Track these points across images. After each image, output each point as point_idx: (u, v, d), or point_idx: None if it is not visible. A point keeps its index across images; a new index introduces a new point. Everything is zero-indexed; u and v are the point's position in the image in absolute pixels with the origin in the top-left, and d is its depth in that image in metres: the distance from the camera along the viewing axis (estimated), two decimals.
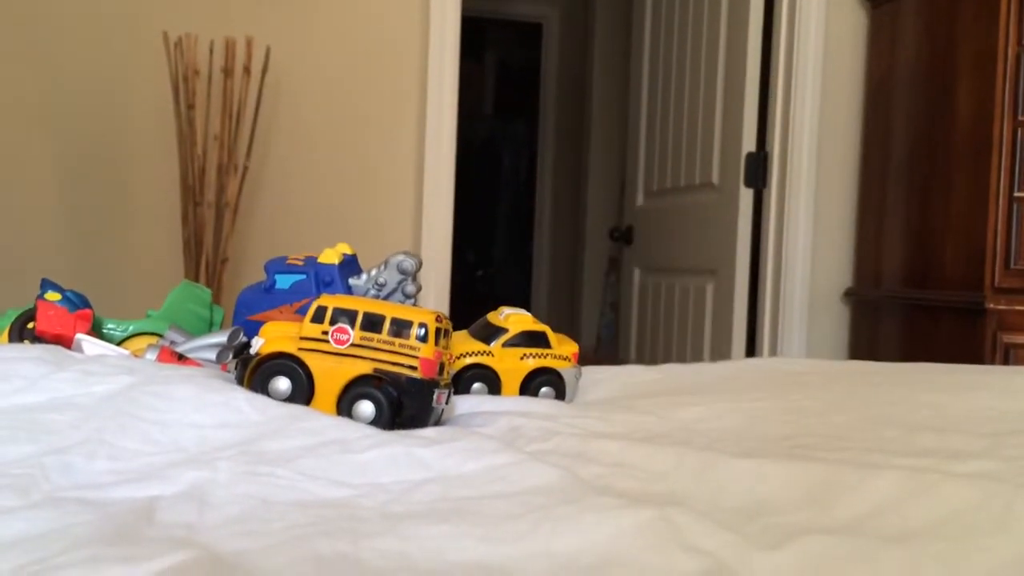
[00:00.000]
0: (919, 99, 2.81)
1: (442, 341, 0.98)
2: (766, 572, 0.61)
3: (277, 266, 1.11)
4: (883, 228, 2.93)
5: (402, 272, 1.12)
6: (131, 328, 1.06)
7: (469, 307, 5.46)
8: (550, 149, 4.39)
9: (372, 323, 0.93)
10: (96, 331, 1.05)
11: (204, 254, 2.64)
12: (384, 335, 0.93)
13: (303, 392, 0.92)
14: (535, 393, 1.17)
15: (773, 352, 3.02)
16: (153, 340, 1.04)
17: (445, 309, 2.91)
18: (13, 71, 2.65)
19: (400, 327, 0.93)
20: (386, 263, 1.13)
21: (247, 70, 2.64)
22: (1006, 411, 1.02)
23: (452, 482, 0.76)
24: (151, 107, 2.69)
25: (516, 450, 0.81)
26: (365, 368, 0.92)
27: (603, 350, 3.88)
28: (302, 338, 0.93)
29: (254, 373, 0.93)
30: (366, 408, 0.91)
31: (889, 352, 2.88)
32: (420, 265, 1.14)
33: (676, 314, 3.31)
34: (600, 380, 1.29)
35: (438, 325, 0.95)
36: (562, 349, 1.19)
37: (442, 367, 0.98)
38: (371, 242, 2.89)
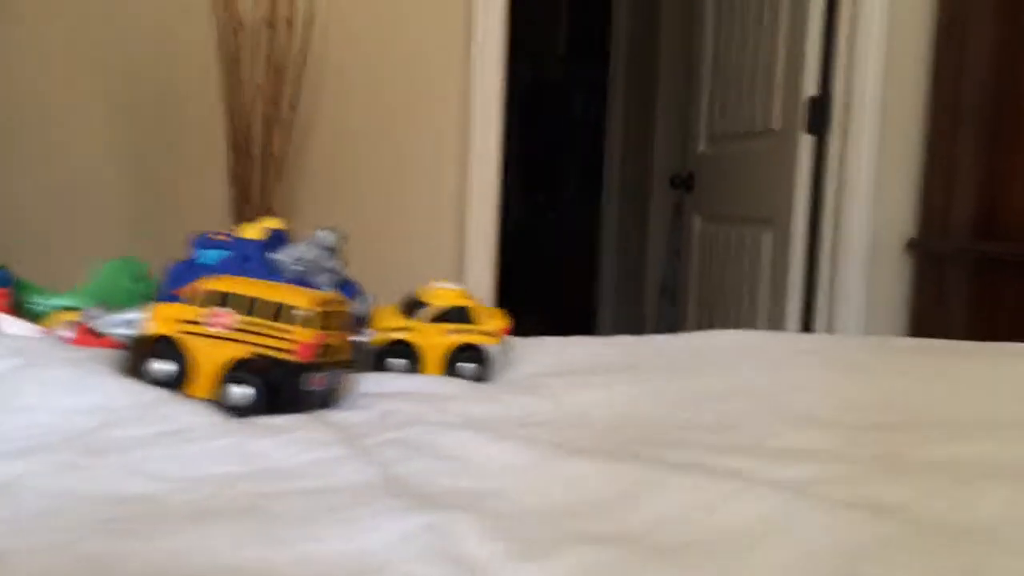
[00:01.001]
0: (994, 37, 2.64)
1: (334, 323, 0.99)
2: None
3: (202, 241, 1.13)
4: (952, 175, 2.78)
5: (324, 247, 1.13)
6: (54, 303, 1.09)
7: (535, 250, 5.47)
8: (620, 91, 4.30)
9: (252, 306, 0.94)
10: (21, 305, 1.09)
11: (250, 205, 2.69)
12: (264, 318, 0.93)
13: (181, 375, 0.94)
14: (457, 370, 1.16)
15: (830, 309, 2.91)
16: (74, 316, 1.07)
17: (490, 264, 2.90)
18: (67, 32, 2.73)
19: (280, 311, 0.93)
20: (310, 239, 1.14)
21: (289, 22, 2.66)
22: (915, 398, 0.97)
23: (271, 477, 0.77)
24: (199, 60, 2.73)
25: (350, 444, 0.82)
26: (243, 352, 0.93)
27: (666, 299, 3.82)
28: (185, 321, 0.95)
29: (135, 355, 0.95)
30: (241, 392, 0.92)
31: (956, 309, 2.75)
32: (344, 240, 1.14)
33: (734, 265, 3.22)
34: (547, 352, 1.28)
35: (323, 308, 0.95)
36: (488, 325, 1.18)
37: (335, 349, 0.98)
38: (416, 193, 2.91)
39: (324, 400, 0.97)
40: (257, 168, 2.69)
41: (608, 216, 4.36)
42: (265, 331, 0.93)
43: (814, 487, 0.72)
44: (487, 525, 0.66)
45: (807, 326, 2.95)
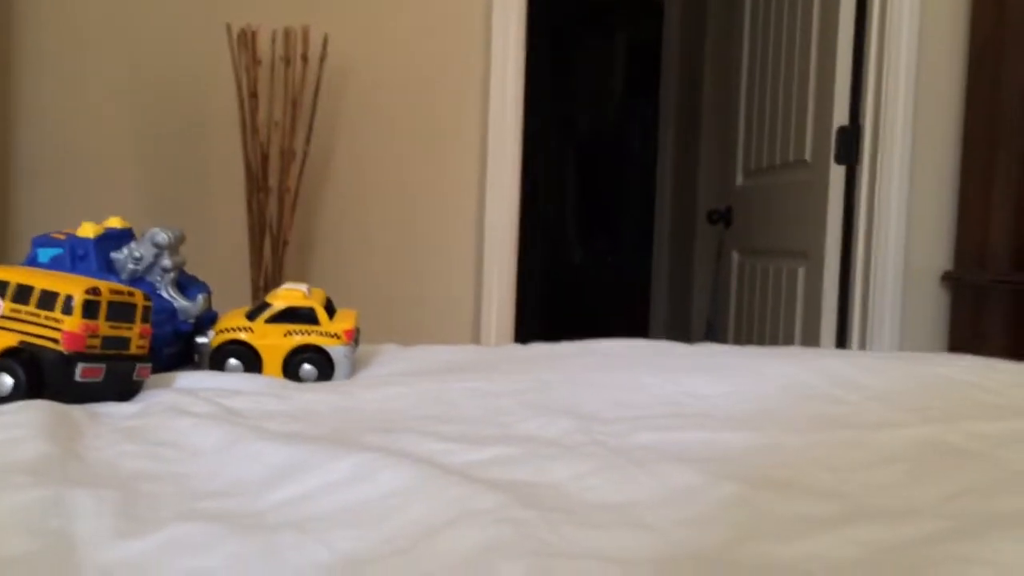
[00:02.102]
0: None
1: (121, 315, 0.98)
2: (114, 558, 0.58)
3: (40, 240, 1.14)
4: (989, 205, 2.63)
5: (156, 245, 1.13)
6: None
7: (598, 295, 5.41)
8: (670, 130, 4.23)
9: (22, 295, 0.93)
10: None
11: (267, 237, 2.74)
12: (31, 307, 0.93)
13: None
14: (295, 371, 1.14)
15: (863, 342, 2.78)
16: None
17: (510, 303, 2.87)
18: (97, 68, 2.84)
19: (47, 299, 0.93)
20: (143, 237, 1.14)
21: (304, 58, 2.72)
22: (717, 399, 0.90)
23: None
24: (219, 96, 2.81)
25: (69, 428, 0.80)
26: (12, 340, 0.93)
27: (711, 338, 3.70)
28: None
29: None
30: (4, 381, 0.92)
31: (994, 342, 2.58)
32: (178, 239, 1.14)
33: (770, 299, 3.11)
34: (411, 358, 1.25)
35: (91, 298, 0.94)
36: (332, 327, 1.15)
37: (120, 340, 0.97)
38: (432, 226, 2.90)
39: (102, 391, 0.95)
40: (274, 200, 2.74)
41: (659, 256, 4.28)
42: (32, 319, 0.93)
43: (480, 467, 0.68)
44: (111, 503, 0.64)
45: None
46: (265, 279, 2.71)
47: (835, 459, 0.67)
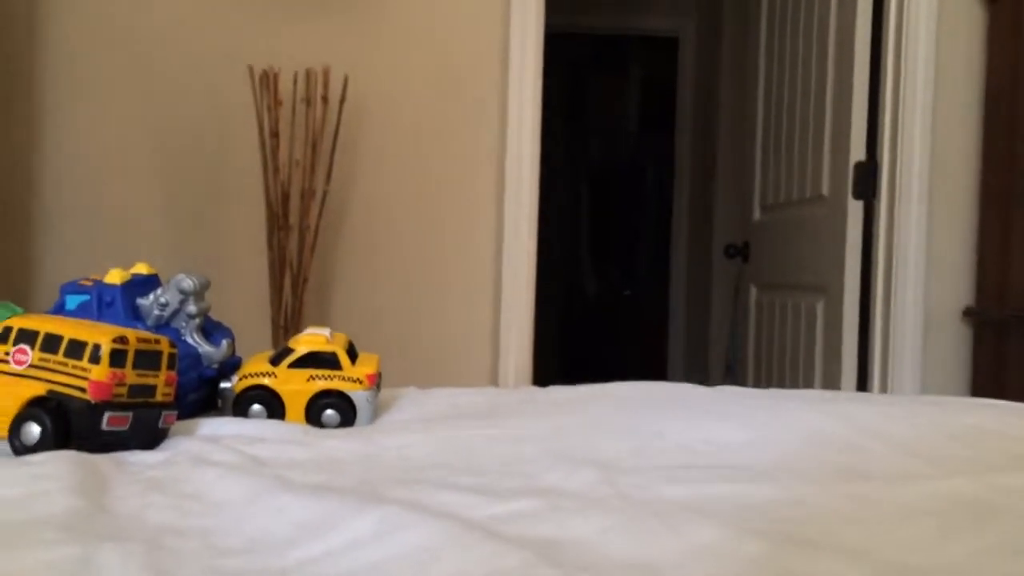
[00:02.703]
0: None
1: (146, 362, 0.98)
2: None
3: (68, 287, 1.15)
4: (1009, 240, 2.61)
5: (182, 292, 1.14)
6: None
7: (610, 327, 5.42)
8: (686, 165, 4.25)
9: (50, 344, 0.95)
10: None
11: (287, 275, 2.75)
12: (60, 356, 0.94)
13: None
14: (318, 416, 1.14)
15: (884, 377, 2.76)
16: None
17: (528, 341, 2.87)
18: (120, 106, 2.88)
19: (75, 348, 0.94)
20: (169, 283, 1.15)
21: (325, 99, 2.74)
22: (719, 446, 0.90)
23: None
24: (240, 136, 2.84)
25: (98, 479, 0.81)
26: (40, 389, 0.94)
27: (729, 378, 3.68)
28: None
29: None
30: (32, 430, 0.92)
31: (1016, 377, 2.56)
32: (204, 285, 1.15)
33: (789, 334, 3.10)
34: (430, 402, 1.25)
35: (118, 346, 0.95)
36: (354, 371, 1.16)
37: (146, 389, 0.98)
38: (450, 264, 2.91)
39: (128, 439, 0.96)
40: (294, 238, 2.76)
41: (676, 289, 4.28)
42: (60, 368, 0.94)
43: (503, 522, 0.68)
44: (137, 560, 0.65)
45: None
46: (285, 317, 2.72)
47: (861, 513, 0.67)
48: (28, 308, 1.17)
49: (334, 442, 0.98)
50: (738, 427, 0.96)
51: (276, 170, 2.75)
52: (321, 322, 2.92)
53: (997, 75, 2.69)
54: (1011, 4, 2.62)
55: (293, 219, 2.77)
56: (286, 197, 2.76)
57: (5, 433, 0.94)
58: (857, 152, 2.81)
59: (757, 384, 3.30)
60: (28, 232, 2.87)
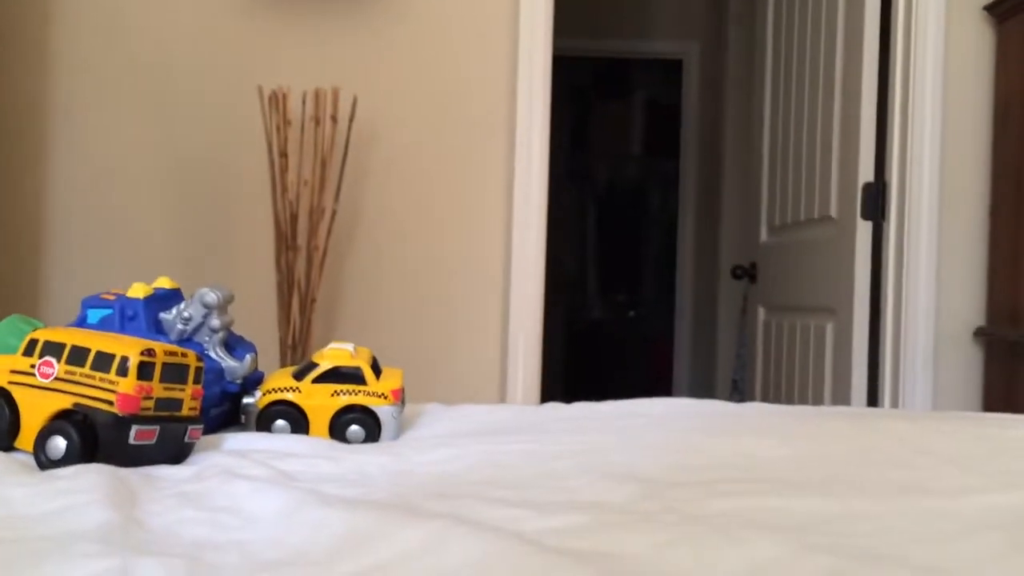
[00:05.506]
0: None
1: (173, 375, 0.97)
2: None
3: (91, 301, 1.13)
4: (1020, 260, 2.60)
5: (205, 306, 1.12)
6: None
7: (615, 349, 5.41)
8: (691, 187, 4.25)
9: (77, 356, 0.93)
10: None
11: (295, 295, 2.74)
12: (87, 368, 0.92)
13: (6, 426, 0.93)
14: (342, 431, 1.12)
15: (895, 399, 2.74)
16: None
17: (536, 360, 2.85)
18: (129, 125, 2.87)
19: (102, 361, 0.92)
20: (192, 297, 1.13)
21: (333, 119, 2.73)
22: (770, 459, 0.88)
23: (15, 522, 0.74)
24: (249, 156, 2.83)
25: (128, 494, 0.79)
26: (66, 403, 0.92)
27: (736, 397, 3.66)
28: (14, 371, 0.94)
29: None
30: (58, 444, 0.91)
31: None
32: (228, 299, 1.13)
33: (798, 356, 3.08)
34: (455, 418, 1.23)
35: (146, 359, 0.93)
36: (379, 386, 1.14)
37: (173, 402, 0.96)
38: (457, 283, 2.90)
39: (154, 454, 0.94)
40: (302, 258, 2.74)
41: (681, 311, 4.27)
42: (87, 381, 0.92)
43: (554, 536, 0.66)
44: (178, 572, 0.63)
45: None
46: (293, 337, 2.70)
47: (926, 528, 0.65)
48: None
49: (364, 457, 0.96)
50: (779, 443, 0.94)
51: (284, 190, 2.74)
52: (329, 342, 2.90)
53: (1006, 94, 2.69)
54: (1020, 23, 2.62)
55: (301, 240, 2.75)
56: (295, 217, 2.75)
57: (32, 446, 0.92)
58: (866, 173, 2.81)
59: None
60: (37, 248, 2.86)
